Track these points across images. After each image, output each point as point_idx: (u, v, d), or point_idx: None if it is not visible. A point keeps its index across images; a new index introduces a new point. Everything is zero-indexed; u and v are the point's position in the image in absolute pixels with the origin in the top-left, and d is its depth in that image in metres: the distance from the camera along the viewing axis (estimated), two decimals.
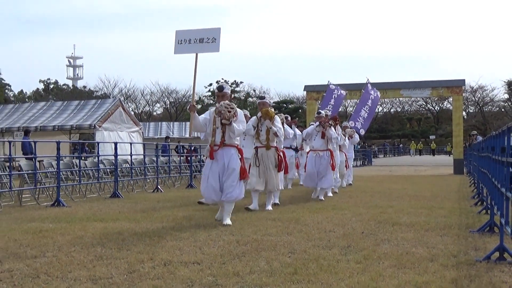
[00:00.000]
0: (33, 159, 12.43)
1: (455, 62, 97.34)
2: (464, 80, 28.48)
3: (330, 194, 12.75)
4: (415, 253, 5.90)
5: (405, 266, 5.27)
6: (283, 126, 10.83)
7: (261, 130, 9.98)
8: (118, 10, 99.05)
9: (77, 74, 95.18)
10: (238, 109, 8.07)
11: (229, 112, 7.82)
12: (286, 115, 15.11)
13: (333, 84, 20.91)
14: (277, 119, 10.11)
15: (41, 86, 70.43)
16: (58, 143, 12.20)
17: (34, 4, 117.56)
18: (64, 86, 72.68)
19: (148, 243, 6.48)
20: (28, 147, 16.54)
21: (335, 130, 12.79)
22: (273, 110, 10.19)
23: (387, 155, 59.00)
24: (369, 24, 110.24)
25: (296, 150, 15.24)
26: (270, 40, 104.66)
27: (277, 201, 10.73)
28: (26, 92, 69.94)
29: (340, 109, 28.50)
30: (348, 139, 16.29)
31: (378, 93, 21.21)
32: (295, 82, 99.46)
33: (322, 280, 4.72)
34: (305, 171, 12.59)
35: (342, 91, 20.78)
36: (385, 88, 27.86)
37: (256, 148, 10.10)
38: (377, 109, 71.31)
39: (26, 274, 4.95)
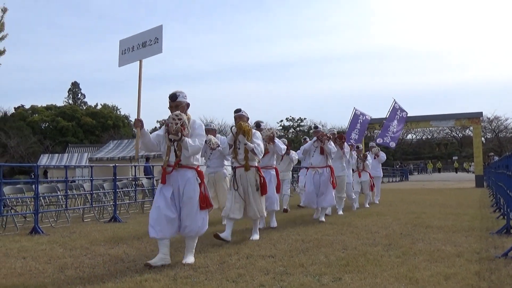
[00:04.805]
0: (152, 179, 12.87)
1: (476, 97, 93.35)
2: (481, 113, 27.16)
3: (340, 212, 10.04)
4: (445, 250, 5.62)
5: (436, 260, 5.04)
6: (273, 142, 7.90)
7: (238, 148, 6.69)
8: (207, 68, 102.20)
9: None
10: (197, 121, 5.22)
11: (176, 124, 4.93)
12: (305, 137, 14.12)
13: (358, 110, 18.24)
14: (256, 135, 6.74)
15: (157, 125, 73.11)
16: None
17: (151, 66, 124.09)
18: None
19: (234, 241, 6.49)
20: (148, 170, 17.11)
21: (343, 148, 9.94)
22: (247, 124, 6.84)
23: (421, 173, 57.10)
24: (400, 68, 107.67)
25: None
26: (325, 84, 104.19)
27: (274, 225, 8.00)
28: (147, 129, 72.42)
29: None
30: (375, 158, 13.38)
31: (405, 113, 17.96)
32: (344, 115, 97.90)
33: (369, 271, 4.57)
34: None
35: (367, 116, 18.22)
36: (418, 120, 27.33)
37: (234, 168, 6.79)
38: (411, 136, 69.89)
39: (144, 260, 5.08)
